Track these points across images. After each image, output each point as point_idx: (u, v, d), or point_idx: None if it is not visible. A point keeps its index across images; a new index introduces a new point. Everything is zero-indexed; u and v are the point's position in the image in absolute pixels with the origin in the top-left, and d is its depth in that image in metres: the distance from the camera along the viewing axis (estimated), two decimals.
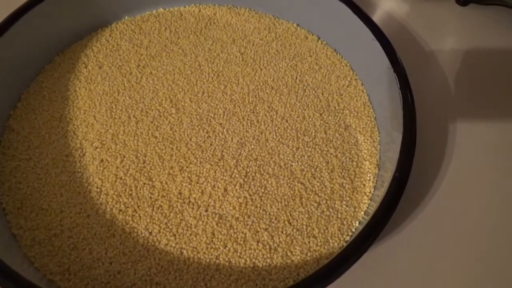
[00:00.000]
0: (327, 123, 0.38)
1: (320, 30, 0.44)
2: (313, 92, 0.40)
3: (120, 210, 0.32)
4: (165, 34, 0.44)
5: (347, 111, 0.38)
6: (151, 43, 0.43)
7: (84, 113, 0.37)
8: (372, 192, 0.34)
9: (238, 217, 0.32)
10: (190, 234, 0.31)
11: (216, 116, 0.37)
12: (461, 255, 0.33)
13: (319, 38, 0.44)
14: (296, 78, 0.40)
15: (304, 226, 0.32)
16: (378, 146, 0.37)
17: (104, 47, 0.42)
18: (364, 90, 0.40)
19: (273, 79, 0.40)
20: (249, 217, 0.32)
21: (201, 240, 0.31)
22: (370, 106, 0.39)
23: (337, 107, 0.39)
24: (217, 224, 0.32)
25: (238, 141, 0.36)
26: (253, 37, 0.44)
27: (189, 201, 0.33)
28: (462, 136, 0.39)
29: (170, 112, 0.38)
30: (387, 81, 0.36)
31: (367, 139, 0.37)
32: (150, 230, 0.32)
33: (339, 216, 0.33)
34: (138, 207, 0.32)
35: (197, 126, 0.37)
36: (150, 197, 0.33)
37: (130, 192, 0.33)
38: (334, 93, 0.40)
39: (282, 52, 0.43)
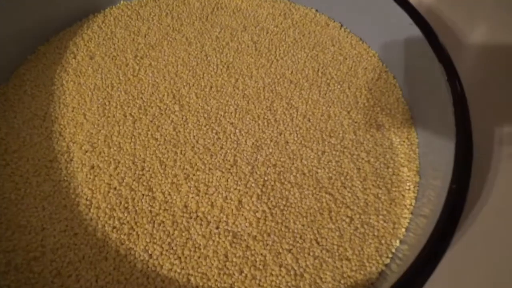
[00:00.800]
0: (356, 122, 0.32)
1: (343, 16, 0.39)
2: (338, 87, 0.34)
3: (114, 228, 0.27)
4: (166, 21, 0.38)
5: (379, 108, 0.33)
6: (150, 31, 0.37)
7: (72, 111, 0.32)
8: (413, 204, 0.29)
9: (255, 236, 0.27)
10: (199, 257, 0.26)
11: (226, 114, 0.32)
12: None
13: (341, 25, 0.39)
14: (318, 70, 0.35)
15: (335, 246, 0.27)
16: (417, 149, 0.31)
17: (96, 35, 0.37)
18: (397, 84, 0.35)
19: (292, 72, 0.35)
20: (269, 235, 0.27)
21: (212, 265, 0.26)
22: (404, 102, 0.34)
23: (366, 104, 0.33)
24: (230, 245, 0.26)
25: (253, 143, 0.31)
26: (266, 24, 0.38)
27: (197, 216, 0.28)
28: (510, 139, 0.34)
29: (173, 110, 0.32)
30: (428, 73, 0.31)
31: (404, 141, 0.32)
32: (150, 252, 0.26)
33: (375, 233, 0.28)
34: (136, 223, 0.27)
35: (205, 126, 0.31)
36: (150, 211, 0.28)
37: (126, 205, 0.28)
38: (362, 87, 0.34)
39: (300, 41, 0.37)
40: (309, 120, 0.32)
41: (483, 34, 0.41)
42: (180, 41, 0.37)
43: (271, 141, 0.31)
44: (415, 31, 0.31)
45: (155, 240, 0.27)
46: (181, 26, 0.38)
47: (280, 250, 0.27)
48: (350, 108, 0.33)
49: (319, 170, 0.30)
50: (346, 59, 0.36)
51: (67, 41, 0.36)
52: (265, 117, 0.32)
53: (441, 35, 0.31)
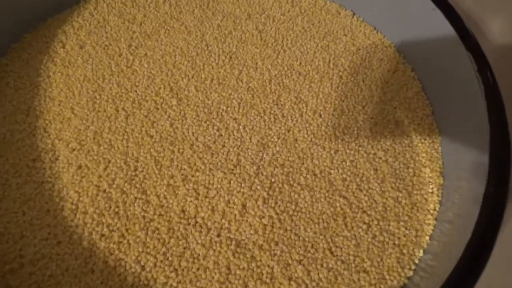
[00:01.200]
0: (372, 118, 0.29)
1: (355, 4, 0.36)
2: (352, 79, 0.31)
3: (103, 235, 0.24)
4: (163, 8, 0.35)
5: (396, 103, 0.30)
6: (147, 19, 0.34)
7: (59, 105, 0.29)
8: (437, 209, 0.26)
9: (261, 245, 0.24)
10: (198, 269, 0.23)
11: (229, 109, 0.29)
12: None
13: (354, 14, 0.36)
14: (329, 61, 0.32)
15: (351, 257, 0.24)
16: (439, 147, 0.28)
17: (88, 23, 0.34)
18: (416, 77, 0.32)
19: (300, 63, 0.32)
20: (276, 244, 0.24)
21: (213, 278, 0.23)
22: (424, 96, 0.31)
23: (383, 98, 0.30)
24: (233, 255, 0.23)
25: (258, 141, 0.28)
26: (272, 11, 0.35)
27: (196, 222, 0.25)
28: None
29: (170, 104, 0.29)
30: (453, 63, 0.28)
31: (425, 139, 0.28)
32: (142, 264, 0.23)
33: (396, 242, 0.25)
34: (127, 230, 0.24)
35: (205, 122, 0.28)
36: (143, 217, 0.25)
37: (116, 210, 0.25)
38: (378, 80, 0.31)
39: (309, 30, 0.34)
40: (320, 116, 0.29)
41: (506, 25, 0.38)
42: (178, 29, 0.34)
43: (278, 138, 0.28)
44: (437, 17, 0.28)
45: (148, 250, 0.24)
46: (180, 13, 0.35)
47: (290, 261, 0.24)
48: (365, 102, 0.30)
49: (332, 171, 0.27)
50: (360, 49, 0.33)
51: (55, 29, 0.33)
52: (272, 112, 0.29)
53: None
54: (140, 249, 0.24)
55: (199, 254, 0.24)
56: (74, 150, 0.27)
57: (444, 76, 0.29)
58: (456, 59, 0.27)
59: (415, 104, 0.30)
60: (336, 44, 0.33)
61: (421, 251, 0.25)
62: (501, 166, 0.21)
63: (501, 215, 0.20)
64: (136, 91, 0.30)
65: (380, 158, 0.28)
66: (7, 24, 0.32)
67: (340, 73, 0.31)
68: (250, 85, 0.30)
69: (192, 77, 0.31)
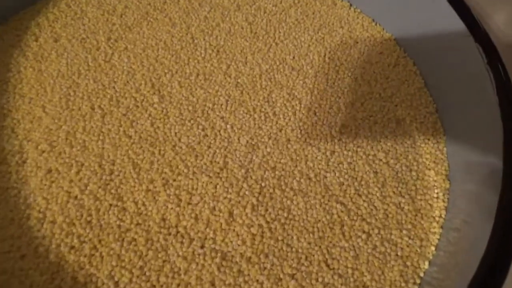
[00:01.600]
0: (371, 116, 0.27)
1: None
2: (349, 74, 0.29)
3: (72, 248, 0.21)
4: None
5: (397, 100, 0.28)
6: (128, 10, 0.32)
7: (30, 103, 0.26)
8: (443, 216, 0.24)
9: (250, 257, 0.21)
10: (178, 285, 0.21)
11: (216, 106, 0.27)
12: None
13: (350, 5, 0.33)
14: (325, 55, 0.30)
15: (350, 270, 0.21)
16: (444, 148, 0.26)
17: (64, 15, 0.31)
18: (418, 72, 0.29)
19: (294, 57, 0.29)
20: (266, 256, 0.21)
21: None
22: (427, 93, 0.28)
23: (382, 95, 0.28)
24: (219, 269, 0.21)
25: (247, 142, 0.25)
26: (264, 2, 0.33)
27: (177, 232, 0.22)
28: None
29: (151, 102, 0.27)
30: (459, 57, 0.25)
31: (428, 139, 0.26)
32: (116, 279, 0.21)
33: (399, 253, 0.22)
34: (100, 242, 0.22)
35: (189, 121, 0.26)
36: (119, 226, 0.22)
37: (88, 219, 0.22)
38: (377, 75, 0.29)
39: (303, 22, 0.32)
40: (315, 114, 0.27)
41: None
42: (162, 21, 0.31)
43: (269, 138, 0.26)
44: (441, 7, 0.26)
45: (123, 264, 0.21)
46: (164, 4, 0.32)
47: (281, 276, 0.21)
48: (364, 99, 0.28)
49: (327, 174, 0.24)
50: (357, 42, 0.31)
51: (28, 21, 0.31)
52: (262, 110, 0.27)
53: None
54: (114, 263, 0.21)
55: (180, 268, 0.21)
56: (43, 152, 0.24)
57: (449, 70, 0.27)
58: (463, 52, 0.25)
59: (418, 101, 0.28)
60: (332, 37, 0.31)
61: (426, 262, 0.22)
62: None
63: None
64: (114, 87, 0.27)
65: (381, 160, 0.25)
66: None
67: (337, 68, 0.29)
68: (239, 80, 0.28)
69: (176, 72, 0.28)
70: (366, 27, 0.32)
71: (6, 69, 0.28)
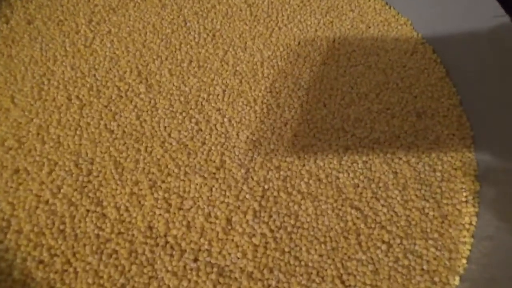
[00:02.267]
0: (388, 108, 0.24)
1: None
2: (362, 62, 0.26)
3: (41, 262, 0.18)
4: None
5: (417, 91, 0.25)
6: None
7: None
8: (473, 223, 0.21)
9: (252, 272, 0.18)
10: None
11: (211, 97, 0.23)
12: None
13: None
14: (334, 41, 0.26)
15: (368, 287, 0.18)
16: (472, 144, 0.23)
17: None
18: (438, 60, 0.26)
19: (299, 42, 0.26)
20: (271, 271, 0.18)
21: None
22: (450, 83, 0.25)
23: (400, 85, 0.25)
24: (215, 286, 0.18)
25: (247, 137, 0.22)
26: None
27: (166, 243, 0.19)
28: None
29: (137, 92, 0.23)
30: (485, 40, 0.22)
31: (453, 134, 0.23)
32: None
33: (425, 267, 0.19)
34: (74, 255, 0.18)
35: (181, 114, 0.23)
36: (97, 236, 0.19)
37: (61, 228, 0.19)
38: (393, 63, 0.26)
39: (309, 4, 0.28)
40: (324, 106, 0.24)
41: None
42: (150, 2, 0.28)
43: (272, 134, 0.22)
44: None
45: (101, 281, 0.18)
46: None
47: None
48: (379, 90, 0.24)
49: (340, 175, 0.21)
50: (370, 27, 0.28)
51: None
52: (264, 101, 0.23)
53: None
54: (90, 280, 0.18)
55: (169, 286, 0.18)
56: (10, 149, 0.21)
57: (475, 59, 0.24)
58: (492, 34, 0.22)
59: (439, 92, 0.25)
60: (342, 21, 0.28)
61: (457, 278, 0.19)
62: None
63: None
64: (95, 75, 0.24)
65: (400, 158, 0.22)
66: None
67: (348, 55, 0.26)
68: (238, 68, 0.25)
69: (166, 58, 0.25)
70: (379, 11, 0.29)
71: None
